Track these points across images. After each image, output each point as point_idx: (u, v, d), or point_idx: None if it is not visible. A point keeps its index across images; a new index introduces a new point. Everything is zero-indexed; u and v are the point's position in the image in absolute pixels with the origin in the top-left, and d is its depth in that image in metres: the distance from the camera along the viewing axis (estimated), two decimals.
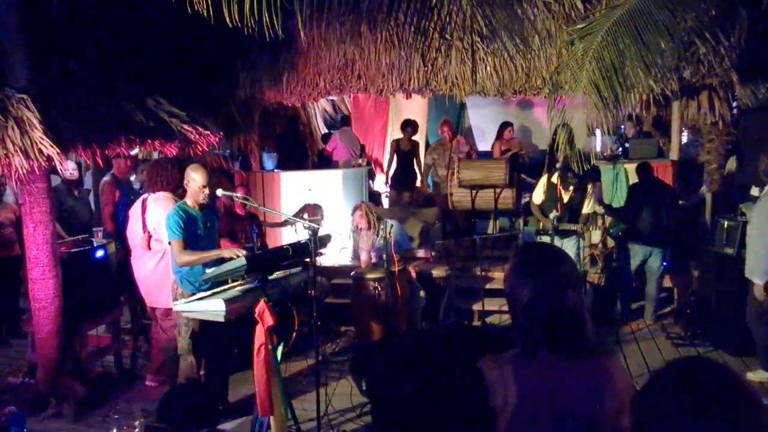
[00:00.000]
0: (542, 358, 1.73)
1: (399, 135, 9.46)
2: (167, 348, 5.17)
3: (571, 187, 6.25)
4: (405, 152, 9.26)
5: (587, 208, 6.29)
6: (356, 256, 6.51)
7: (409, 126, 9.23)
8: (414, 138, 9.34)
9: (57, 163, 4.63)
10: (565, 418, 1.70)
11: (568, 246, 6.13)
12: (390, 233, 5.65)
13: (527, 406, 1.70)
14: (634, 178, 7.23)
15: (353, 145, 9.99)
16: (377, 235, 5.90)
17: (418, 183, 10.10)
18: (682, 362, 1.23)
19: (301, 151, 9.84)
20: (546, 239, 6.23)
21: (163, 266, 4.99)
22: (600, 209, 6.91)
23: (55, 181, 6.19)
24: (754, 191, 6.36)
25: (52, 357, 4.98)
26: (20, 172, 4.39)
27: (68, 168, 6.50)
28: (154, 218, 5.01)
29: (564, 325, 1.70)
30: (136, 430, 2.47)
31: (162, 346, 5.26)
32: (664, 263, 6.56)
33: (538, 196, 6.49)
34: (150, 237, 5.06)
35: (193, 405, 2.79)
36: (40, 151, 4.39)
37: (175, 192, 5.03)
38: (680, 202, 7.65)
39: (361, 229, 6.02)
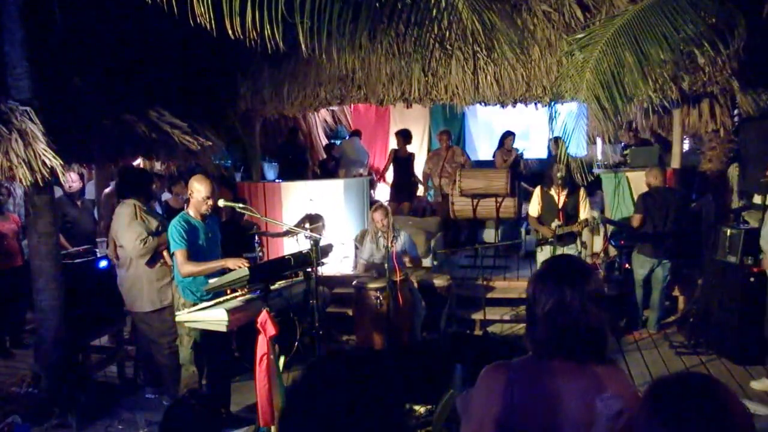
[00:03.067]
0: (548, 364, 1.78)
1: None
2: (153, 355, 5.21)
3: (564, 192, 6.23)
4: (403, 159, 9.31)
5: (584, 213, 6.28)
6: (357, 265, 6.51)
7: (401, 135, 9.31)
8: (408, 148, 9.40)
9: (60, 175, 4.66)
10: (564, 424, 1.73)
11: (568, 254, 6.14)
12: (392, 243, 5.66)
13: (531, 410, 1.75)
14: (636, 187, 7.22)
15: (357, 155, 10.04)
16: (388, 240, 5.83)
17: (419, 192, 10.14)
18: (668, 381, 1.25)
19: (302, 161, 9.90)
20: (547, 249, 6.24)
21: (133, 272, 5.01)
22: (596, 214, 6.90)
23: (58, 192, 6.22)
24: (757, 199, 6.37)
25: (56, 367, 5.00)
26: (24, 183, 4.42)
27: (69, 180, 6.52)
28: (115, 225, 5.04)
29: (582, 338, 1.75)
30: None
31: (147, 353, 5.29)
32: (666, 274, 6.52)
33: (534, 208, 6.49)
34: (116, 244, 5.09)
35: (198, 418, 2.79)
36: (44, 162, 4.42)
37: (141, 199, 5.07)
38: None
39: (378, 229, 5.93)
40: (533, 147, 10.78)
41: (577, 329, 1.74)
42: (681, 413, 1.14)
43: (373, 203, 8.68)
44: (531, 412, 1.75)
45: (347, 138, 10.81)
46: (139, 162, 6.39)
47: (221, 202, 4.69)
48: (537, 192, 6.51)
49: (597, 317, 1.76)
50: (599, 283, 1.85)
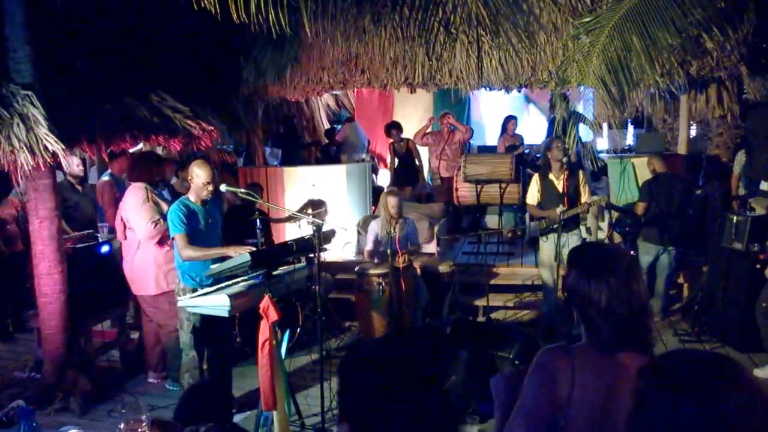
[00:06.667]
0: (607, 353, 1.77)
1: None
2: (158, 340, 5.24)
3: (564, 176, 6.11)
4: (402, 154, 9.23)
5: (585, 196, 6.15)
6: (361, 251, 6.49)
7: (393, 128, 9.16)
8: (404, 136, 9.28)
9: (62, 159, 4.63)
10: (619, 415, 1.69)
11: (573, 240, 6.05)
12: (395, 229, 5.62)
13: (589, 398, 1.73)
14: (641, 173, 7.17)
15: (359, 138, 9.99)
16: (392, 228, 5.75)
17: (425, 179, 10.09)
18: (679, 352, 1.25)
19: (299, 151, 9.90)
20: (552, 236, 6.16)
21: (141, 255, 5.04)
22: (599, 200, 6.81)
23: (59, 177, 6.19)
24: (764, 186, 6.32)
25: (58, 352, 5.00)
26: (25, 168, 4.40)
27: (73, 163, 6.51)
28: (126, 207, 5.06)
29: (640, 322, 1.75)
30: (144, 423, 2.47)
31: (153, 338, 5.31)
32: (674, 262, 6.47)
33: (532, 196, 6.34)
34: (125, 226, 5.09)
35: (211, 404, 2.80)
36: (45, 147, 4.39)
37: (152, 184, 5.16)
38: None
39: (390, 215, 5.87)
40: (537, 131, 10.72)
41: (635, 316, 1.73)
42: (692, 379, 1.14)
43: (375, 189, 8.66)
44: (589, 400, 1.73)
45: (346, 123, 10.72)
46: (140, 146, 6.35)
47: (223, 187, 4.66)
48: (535, 179, 6.32)
49: (645, 294, 1.77)
50: (633, 259, 1.84)
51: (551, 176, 6.12)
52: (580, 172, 6.22)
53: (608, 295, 1.72)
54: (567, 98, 6.93)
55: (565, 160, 6.08)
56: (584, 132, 8.30)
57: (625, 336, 1.74)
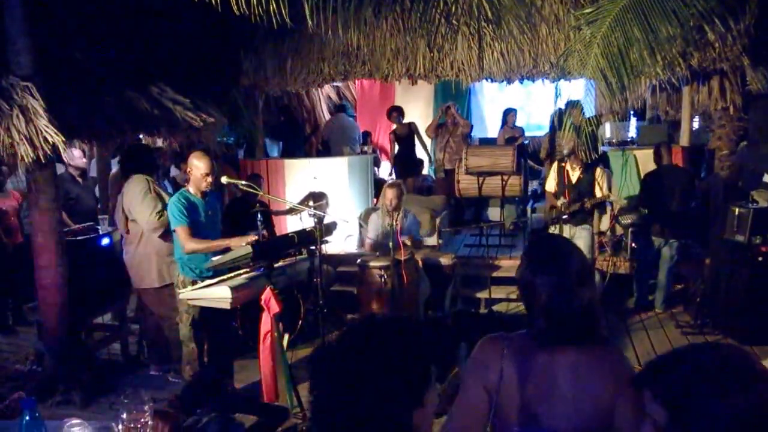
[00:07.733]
0: (543, 345, 1.77)
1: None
2: (160, 333, 5.23)
3: (578, 168, 6.12)
4: (403, 137, 9.21)
5: (599, 193, 6.13)
6: (363, 243, 6.47)
7: (394, 111, 9.21)
8: (406, 121, 9.27)
9: (62, 152, 4.61)
10: (558, 401, 1.72)
11: (582, 234, 6.03)
12: (397, 221, 5.61)
13: (518, 387, 1.74)
14: (643, 165, 7.14)
15: (347, 131, 9.89)
16: (394, 220, 5.74)
17: (425, 171, 10.04)
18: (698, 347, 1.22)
19: (298, 141, 9.85)
20: (562, 227, 6.13)
21: (143, 248, 5.02)
22: (613, 197, 6.79)
23: (60, 169, 6.17)
24: (767, 178, 6.30)
25: (59, 344, 4.99)
26: (26, 160, 4.38)
27: (75, 156, 6.49)
28: (128, 199, 5.04)
29: (579, 322, 1.72)
30: (147, 414, 2.46)
31: (154, 330, 5.31)
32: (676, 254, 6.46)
33: (549, 184, 6.40)
34: (127, 219, 5.08)
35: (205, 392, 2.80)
36: (45, 139, 4.37)
37: (149, 175, 5.13)
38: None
39: (391, 206, 5.86)
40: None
41: (573, 315, 1.71)
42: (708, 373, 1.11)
43: (377, 181, 8.65)
44: (522, 386, 1.74)
45: (334, 115, 10.53)
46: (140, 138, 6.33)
47: (224, 179, 4.65)
48: (553, 167, 6.43)
49: (590, 296, 1.73)
50: (584, 259, 1.82)
51: (567, 167, 6.16)
52: (598, 168, 6.21)
53: (550, 290, 1.71)
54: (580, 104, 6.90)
55: (566, 152, 6.09)
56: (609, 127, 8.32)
57: (563, 332, 1.72)
